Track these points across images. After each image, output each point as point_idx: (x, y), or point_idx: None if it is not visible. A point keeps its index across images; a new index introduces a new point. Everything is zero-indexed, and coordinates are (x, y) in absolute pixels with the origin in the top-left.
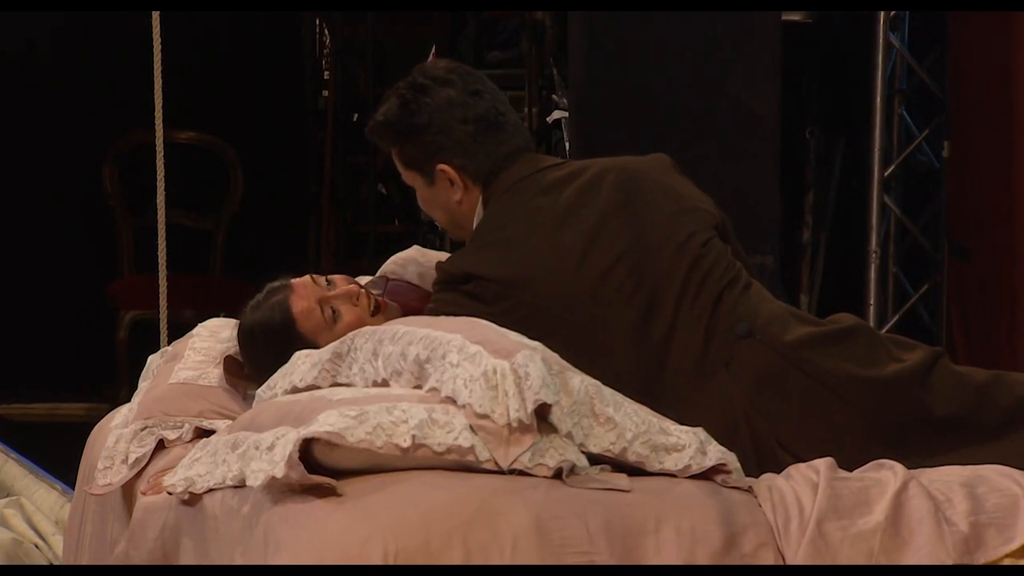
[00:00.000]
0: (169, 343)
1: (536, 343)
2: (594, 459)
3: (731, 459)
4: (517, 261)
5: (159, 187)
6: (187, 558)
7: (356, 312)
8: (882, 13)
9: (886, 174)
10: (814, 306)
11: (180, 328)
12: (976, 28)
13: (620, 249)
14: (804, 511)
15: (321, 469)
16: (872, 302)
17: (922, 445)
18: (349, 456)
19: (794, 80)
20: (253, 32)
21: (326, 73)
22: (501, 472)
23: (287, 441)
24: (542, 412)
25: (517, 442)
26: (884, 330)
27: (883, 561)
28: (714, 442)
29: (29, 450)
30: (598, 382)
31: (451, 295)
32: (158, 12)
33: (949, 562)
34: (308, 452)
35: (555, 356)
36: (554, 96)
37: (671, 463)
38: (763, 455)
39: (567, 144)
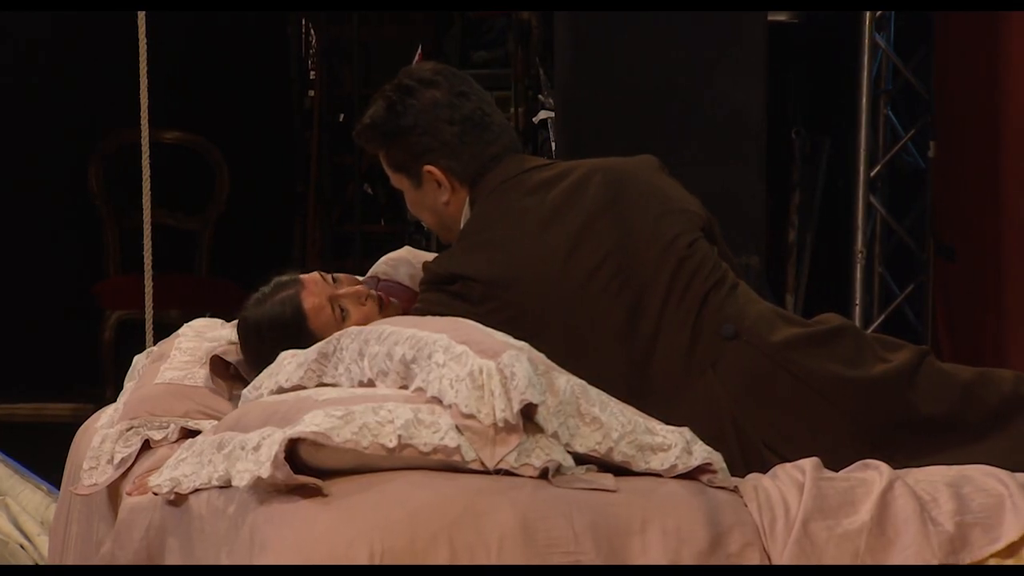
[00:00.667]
0: (155, 343)
1: (522, 343)
2: (580, 459)
3: (717, 459)
4: (503, 262)
5: (145, 187)
6: (173, 558)
7: (363, 312)
8: (868, 13)
9: (872, 174)
10: (800, 306)
11: (166, 328)
12: (962, 28)
13: (606, 250)
14: (790, 511)
15: (307, 469)
16: (858, 302)
17: (908, 446)
18: (335, 456)
19: (780, 80)
20: (239, 32)
21: (312, 73)
22: (487, 472)
23: (273, 441)
24: (528, 412)
25: (503, 442)
26: (870, 330)
27: (868, 561)
28: (700, 442)
29: (14, 450)
30: (584, 382)
31: (437, 295)
32: (143, 12)
33: (935, 562)
34: (294, 452)
35: (541, 356)
36: (540, 96)
37: (657, 463)
38: (749, 455)
39: (553, 144)
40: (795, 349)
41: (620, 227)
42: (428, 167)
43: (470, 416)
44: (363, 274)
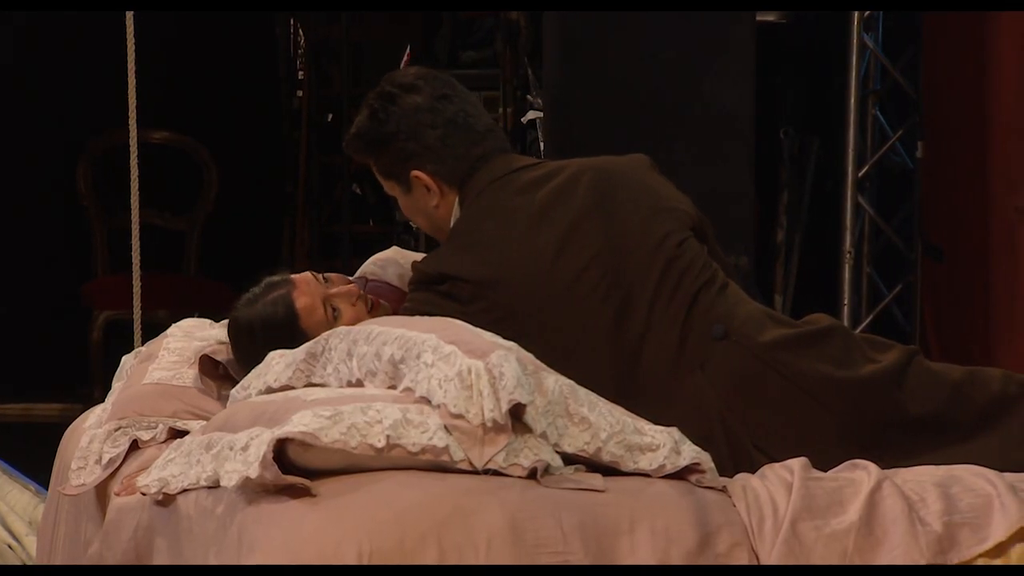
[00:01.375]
0: (143, 343)
1: (511, 343)
2: (568, 459)
3: (705, 459)
4: (491, 262)
5: (133, 187)
6: (161, 558)
7: (355, 312)
8: (856, 13)
9: (860, 174)
10: (788, 306)
11: (154, 328)
12: (950, 29)
13: (594, 250)
14: (778, 511)
15: (295, 469)
16: (846, 302)
17: (897, 446)
18: (323, 456)
19: (768, 80)
20: (228, 32)
21: (300, 73)
22: (475, 472)
23: (261, 441)
24: (517, 412)
25: (492, 442)
26: (858, 330)
27: (857, 561)
28: (688, 442)
29: (2, 450)
30: (573, 382)
31: (426, 295)
32: (132, 12)
33: (923, 562)
34: (282, 452)
35: (530, 356)
36: (529, 96)
37: (645, 463)
38: (738, 456)
39: (541, 145)
40: (784, 350)
41: (609, 227)
42: (415, 172)
43: (458, 416)
44: (352, 274)
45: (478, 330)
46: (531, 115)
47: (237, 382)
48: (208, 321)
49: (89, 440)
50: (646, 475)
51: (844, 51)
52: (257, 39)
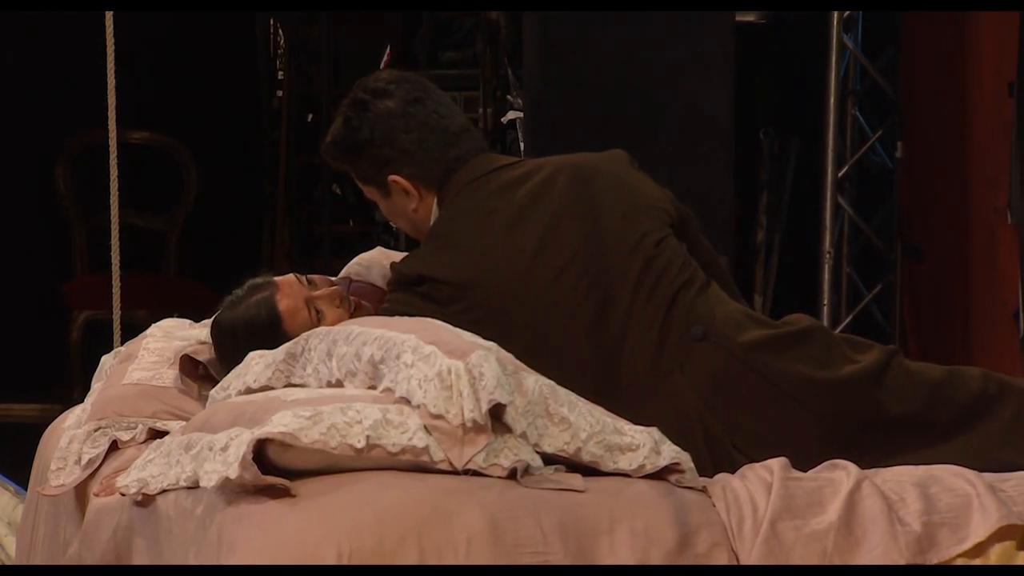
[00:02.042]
0: (122, 343)
1: (490, 343)
2: (548, 459)
3: (685, 459)
4: (470, 263)
5: (112, 187)
6: (140, 559)
7: (338, 314)
8: (835, 14)
9: (840, 175)
10: (768, 307)
11: (133, 328)
12: (929, 29)
13: (573, 249)
14: (758, 511)
15: (275, 470)
16: (826, 302)
17: (877, 446)
18: (303, 457)
19: (748, 81)
20: (207, 32)
21: (280, 73)
22: (455, 472)
23: (241, 442)
24: (496, 412)
25: (471, 442)
26: (838, 330)
27: (836, 561)
28: (668, 442)
29: None
30: (552, 382)
31: (405, 296)
32: (111, 12)
33: (902, 562)
34: (262, 453)
35: (510, 356)
36: (509, 96)
37: (625, 463)
38: (718, 456)
39: (521, 145)
40: (764, 350)
41: (587, 226)
42: (392, 177)
43: (438, 416)
44: (333, 275)
45: (458, 330)
46: (511, 115)
47: (217, 382)
48: (188, 321)
49: (69, 440)
50: (626, 475)
51: (824, 51)
52: (237, 39)
